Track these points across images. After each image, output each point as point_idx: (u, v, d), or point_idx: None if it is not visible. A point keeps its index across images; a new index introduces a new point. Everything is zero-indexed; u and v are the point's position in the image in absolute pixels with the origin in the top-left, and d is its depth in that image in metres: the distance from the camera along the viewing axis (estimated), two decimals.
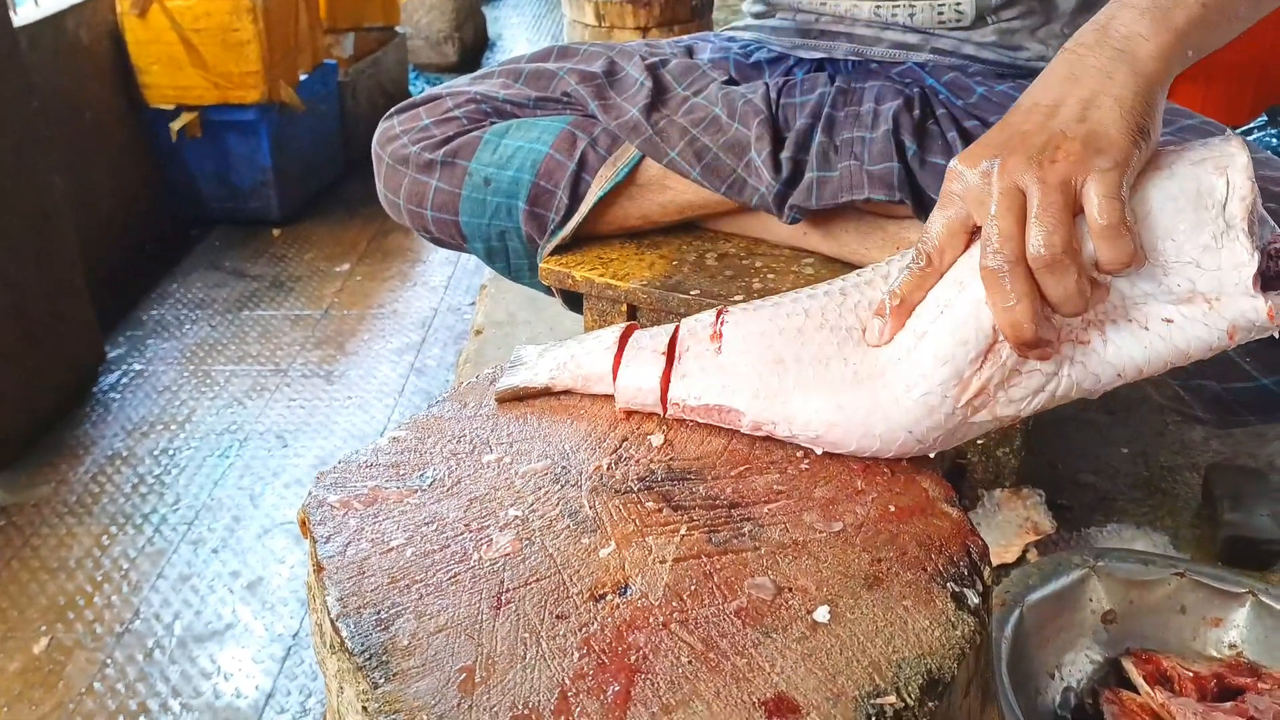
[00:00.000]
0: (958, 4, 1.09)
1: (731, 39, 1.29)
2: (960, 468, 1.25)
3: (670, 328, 0.76)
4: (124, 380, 2.23)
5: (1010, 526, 1.22)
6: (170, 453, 1.99)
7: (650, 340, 0.74)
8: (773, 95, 1.15)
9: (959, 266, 0.65)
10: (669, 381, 0.71)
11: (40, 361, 2.05)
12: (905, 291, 0.65)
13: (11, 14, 2.16)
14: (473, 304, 2.48)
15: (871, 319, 0.66)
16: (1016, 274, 0.60)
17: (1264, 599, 0.99)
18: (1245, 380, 0.92)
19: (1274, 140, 2.01)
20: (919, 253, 0.65)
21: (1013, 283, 0.60)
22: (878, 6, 1.12)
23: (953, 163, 0.65)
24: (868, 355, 0.67)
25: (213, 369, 2.27)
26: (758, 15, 1.24)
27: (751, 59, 1.23)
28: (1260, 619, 1.00)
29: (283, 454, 1.98)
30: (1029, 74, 1.13)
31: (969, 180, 0.63)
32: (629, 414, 0.73)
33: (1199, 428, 1.51)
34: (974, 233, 0.65)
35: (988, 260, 0.60)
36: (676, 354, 0.72)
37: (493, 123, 1.21)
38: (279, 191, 2.91)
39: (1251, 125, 2.06)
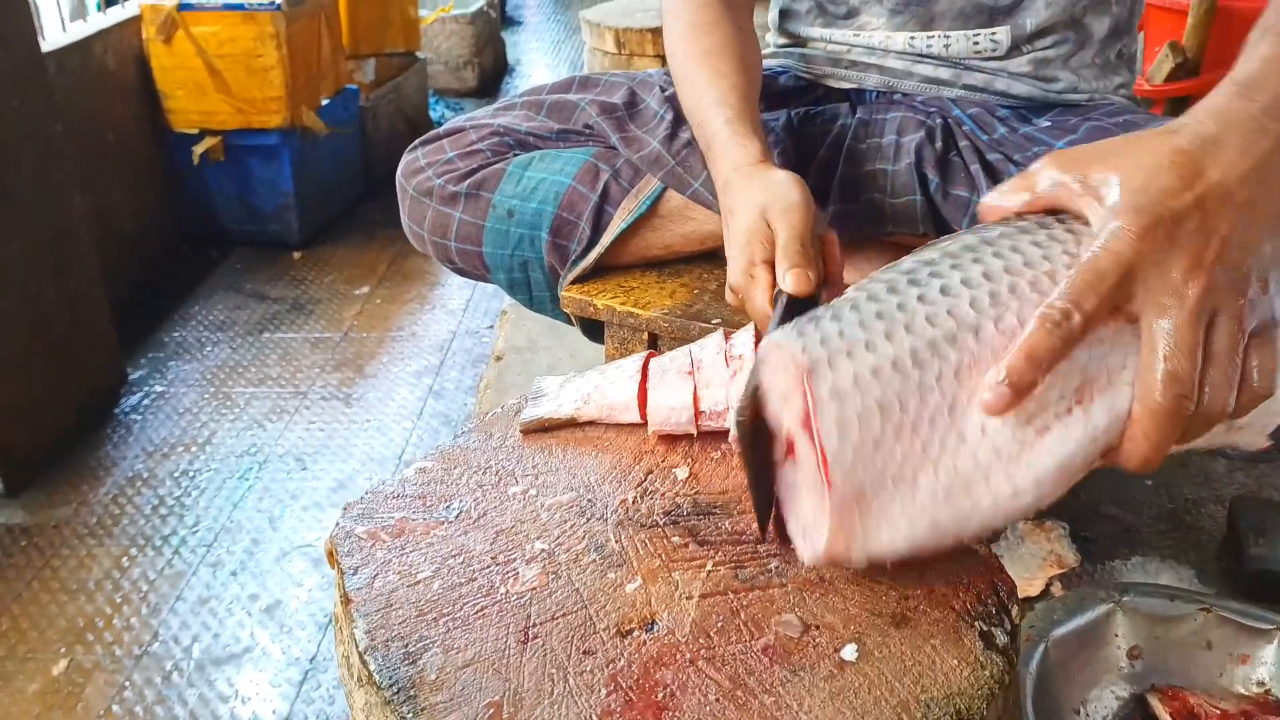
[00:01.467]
0: (993, 34, 1.10)
1: None
2: None
3: (686, 348, 0.76)
4: (145, 402, 2.24)
5: (1034, 559, 1.21)
6: (190, 475, 2.00)
7: (671, 362, 0.74)
8: (794, 124, 1.15)
9: (1106, 358, 0.57)
10: (700, 400, 0.71)
11: (60, 381, 2.06)
12: (1044, 354, 0.55)
13: (40, 39, 2.19)
14: (491, 327, 2.49)
15: (996, 385, 0.55)
16: (1183, 420, 0.56)
17: None
18: None
19: None
20: (1064, 310, 0.55)
21: (1175, 427, 0.56)
22: (912, 37, 1.12)
23: (1120, 224, 0.56)
24: (964, 450, 0.56)
25: (233, 391, 2.28)
26: (784, 45, 1.25)
27: (779, 84, 1.24)
28: None
29: (302, 476, 1.99)
30: (1059, 105, 1.12)
31: (1141, 260, 0.56)
32: (655, 444, 0.72)
33: (1222, 460, 1.50)
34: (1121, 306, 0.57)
35: (1166, 400, 0.55)
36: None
37: (516, 154, 1.22)
38: (300, 215, 2.94)
39: None
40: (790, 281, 0.74)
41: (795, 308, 0.71)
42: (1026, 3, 1.09)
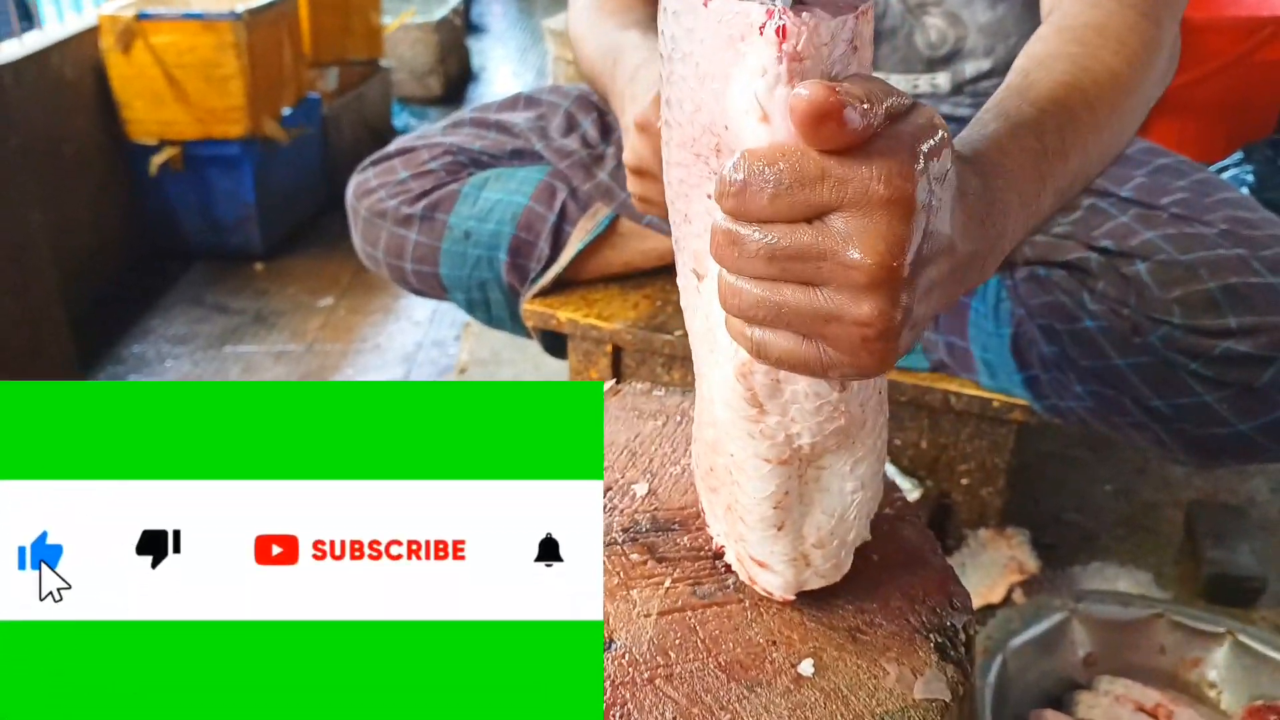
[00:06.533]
0: (933, 78, 1.10)
1: None
2: (945, 508, 1.26)
3: None
4: None
5: (995, 566, 1.23)
6: None
7: None
8: None
9: None
10: None
11: None
12: None
13: None
14: (457, 338, 2.48)
15: None
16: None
17: (1242, 638, 1.00)
18: (1223, 426, 0.93)
19: (1249, 177, 2.03)
20: None
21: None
22: None
23: None
24: None
25: None
26: None
27: None
28: (1239, 658, 1.00)
29: None
30: None
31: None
32: (615, 460, 0.73)
33: (1179, 465, 1.52)
34: None
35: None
36: None
37: (470, 173, 1.21)
38: (262, 226, 2.91)
39: (1227, 162, 2.09)
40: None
41: None
42: (966, 53, 1.09)
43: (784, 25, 0.44)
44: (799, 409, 0.52)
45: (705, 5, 0.46)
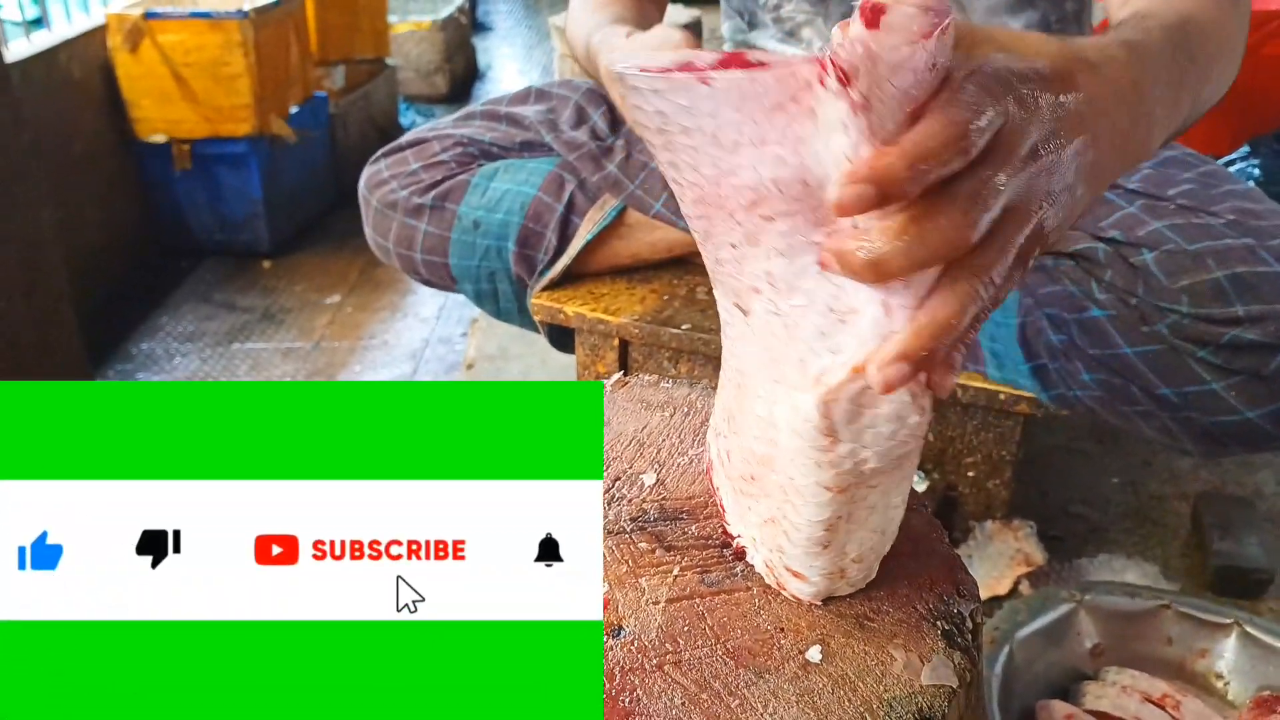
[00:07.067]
0: None
1: None
2: (952, 500, 1.26)
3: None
4: None
5: (1002, 558, 1.23)
6: None
7: None
8: None
9: None
10: None
11: None
12: None
13: (4, 49, 2.17)
14: (464, 335, 2.49)
15: None
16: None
17: (1250, 629, 1.00)
18: (1231, 414, 0.94)
19: (1256, 171, 2.03)
20: None
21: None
22: None
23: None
24: None
25: None
26: (737, 45, 1.25)
27: None
28: (1246, 649, 1.00)
29: None
30: None
31: None
32: (623, 450, 0.73)
33: (1187, 457, 1.52)
34: None
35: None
36: None
37: (480, 165, 1.22)
38: (269, 223, 2.92)
39: (1234, 156, 2.09)
40: None
41: None
42: None
43: (842, 67, 0.40)
44: (875, 433, 0.52)
45: (707, 84, 0.44)
